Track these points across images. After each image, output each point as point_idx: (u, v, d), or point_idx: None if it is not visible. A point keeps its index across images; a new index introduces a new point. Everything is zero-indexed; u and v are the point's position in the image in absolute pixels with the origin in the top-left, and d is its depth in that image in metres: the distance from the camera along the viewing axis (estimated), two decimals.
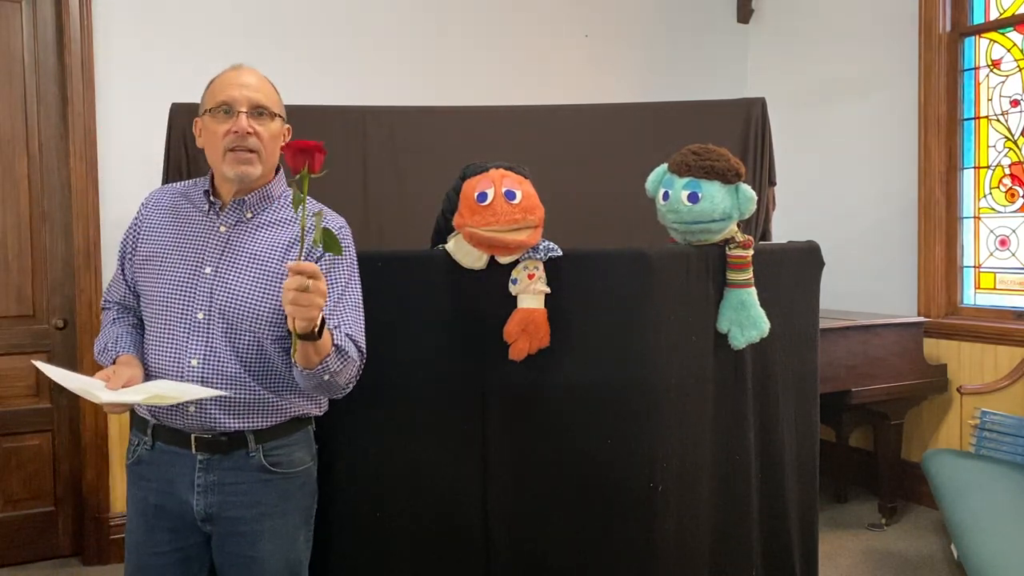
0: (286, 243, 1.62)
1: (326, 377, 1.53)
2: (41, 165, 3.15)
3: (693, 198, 2.03)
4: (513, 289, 1.94)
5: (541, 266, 1.94)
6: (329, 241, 1.38)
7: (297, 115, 3.03)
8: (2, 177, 3.10)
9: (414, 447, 2.00)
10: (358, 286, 1.70)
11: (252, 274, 1.59)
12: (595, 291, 2.00)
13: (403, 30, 3.76)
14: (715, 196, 2.03)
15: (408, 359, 1.99)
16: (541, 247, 1.94)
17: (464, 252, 1.93)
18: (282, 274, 1.56)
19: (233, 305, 1.58)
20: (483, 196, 1.86)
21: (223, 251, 1.61)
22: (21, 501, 3.15)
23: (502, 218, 1.84)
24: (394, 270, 1.99)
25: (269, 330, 1.59)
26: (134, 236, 1.70)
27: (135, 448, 1.66)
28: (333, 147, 3.00)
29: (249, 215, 1.64)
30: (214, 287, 1.58)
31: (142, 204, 1.74)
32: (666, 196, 2.09)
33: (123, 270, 1.73)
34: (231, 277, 1.59)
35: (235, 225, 1.63)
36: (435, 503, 2.01)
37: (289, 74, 3.58)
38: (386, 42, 3.72)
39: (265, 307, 1.58)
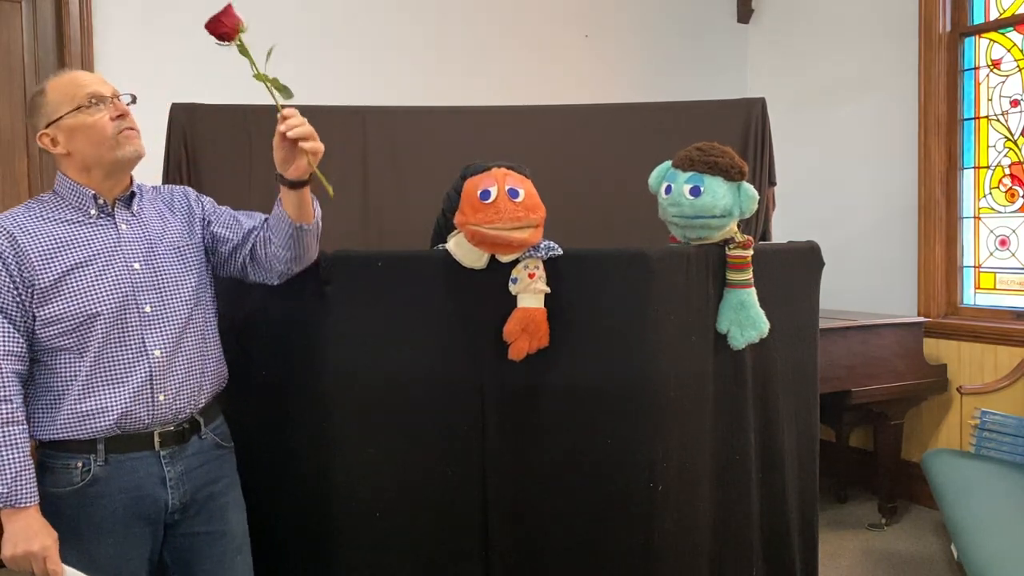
0: (180, 227, 1.76)
1: (318, 222, 1.77)
2: (41, 165, 3.15)
3: (695, 192, 2.03)
4: (513, 288, 1.94)
5: (542, 265, 1.94)
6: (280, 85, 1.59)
7: None
8: (2, 177, 3.10)
9: (413, 446, 2.00)
10: None
11: (176, 260, 1.71)
12: (595, 291, 2.00)
13: (403, 30, 3.76)
14: (717, 191, 2.03)
15: (407, 358, 1.99)
16: (542, 246, 1.94)
17: (465, 251, 1.93)
18: (190, 254, 1.74)
19: (176, 290, 1.68)
20: (486, 194, 1.86)
21: (139, 246, 1.67)
22: None
23: (505, 216, 1.84)
24: (394, 270, 1.99)
25: (201, 307, 1.74)
26: (12, 273, 1.53)
27: (84, 470, 1.58)
28: (333, 147, 3.02)
29: (135, 208, 1.70)
30: (153, 279, 1.66)
31: None
32: (668, 190, 2.09)
33: (6, 315, 1.53)
34: (162, 266, 1.68)
35: (131, 220, 1.69)
36: (434, 503, 2.01)
37: (289, 74, 3.59)
38: (386, 42, 3.72)
39: (194, 285, 1.73)
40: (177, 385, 1.65)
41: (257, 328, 2.03)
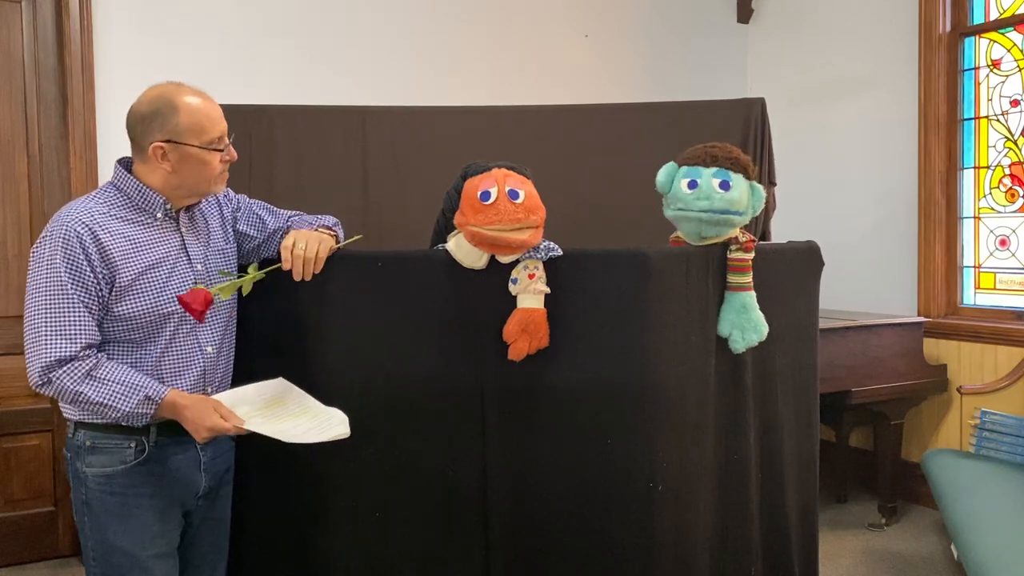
0: (218, 228, 1.86)
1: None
2: (41, 165, 3.15)
3: (724, 186, 2.04)
4: (513, 289, 1.94)
5: (541, 266, 1.94)
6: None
7: (297, 115, 3.05)
8: (2, 177, 3.10)
9: (413, 446, 2.00)
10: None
11: (222, 261, 1.83)
12: (595, 291, 2.00)
13: (403, 30, 3.76)
14: (742, 186, 2.05)
15: (407, 359, 1.99)
16: (542, 247, 1.94)
17: (465, 251, 1.93)
18: (230, 254, 1.87)
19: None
20: (486, 195, 1.86)
21: (198, 249, 1.78)
22: (21, 501, 3.15)
23: (505, 217, 1.84)
24: (394, 270, 1.99)
25: (235, 306, 1.86)
26: (96, 269, 1.61)
27: (138, 450, 1.68)
28: (333, 147, 3.03)
29: (189, 215, 1.80)
30: (209, 281, 1.77)
31: (79, 235, 1.60)
32: (693, 184, 2.06)
33: (88, 308, 1.61)
34: (215, 267, 1.80)
35: (188, 224, 1.78)
36: (434, 503, 2.01)
37: (289, 74, 3.60)
38: (386, 42, 3.73)
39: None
40: (220, 378, 1.80)
41: (255, 327, 2.02)
